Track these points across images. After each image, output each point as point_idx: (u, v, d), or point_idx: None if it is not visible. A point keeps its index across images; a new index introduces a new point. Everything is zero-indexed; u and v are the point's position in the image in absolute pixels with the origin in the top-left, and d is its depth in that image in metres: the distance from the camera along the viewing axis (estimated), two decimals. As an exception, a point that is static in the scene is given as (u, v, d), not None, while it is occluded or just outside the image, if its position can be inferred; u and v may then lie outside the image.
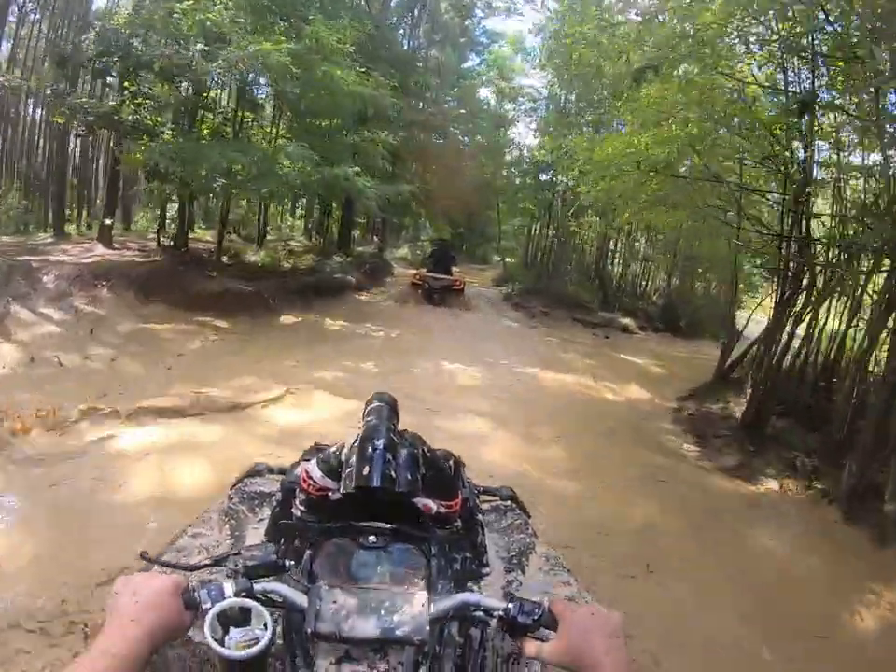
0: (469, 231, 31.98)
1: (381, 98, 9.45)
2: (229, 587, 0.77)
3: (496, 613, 0.82)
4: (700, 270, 14.92)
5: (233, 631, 0.74)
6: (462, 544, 1.07)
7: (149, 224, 13.73)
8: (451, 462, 1.11)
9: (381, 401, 1.14)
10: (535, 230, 21.43)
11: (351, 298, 11.77)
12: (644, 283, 15.96)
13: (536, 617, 0.79)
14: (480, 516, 1.23)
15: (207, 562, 0.88)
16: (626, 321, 12.71)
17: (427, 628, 0.79)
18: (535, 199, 18.22)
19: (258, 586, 0.80)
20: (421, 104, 14.62)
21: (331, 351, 7.52)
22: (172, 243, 10.92)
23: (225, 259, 11.00)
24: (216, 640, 0.72)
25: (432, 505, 1.00)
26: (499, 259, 34.04)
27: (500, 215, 19.54)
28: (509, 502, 1.46)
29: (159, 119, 9.45)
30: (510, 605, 0.81)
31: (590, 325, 12.10)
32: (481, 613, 0.84)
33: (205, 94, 9.62)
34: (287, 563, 0.86)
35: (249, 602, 0.76)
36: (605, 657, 0.72)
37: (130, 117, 8.71)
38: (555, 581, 1.15)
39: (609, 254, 16.12)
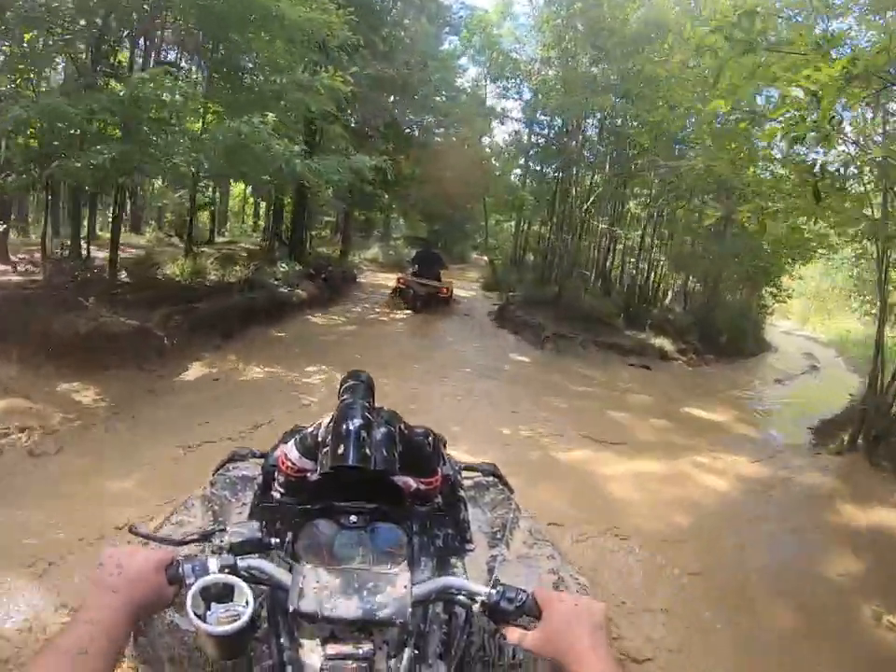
0: (446, 227, 29.01)
1: (329, 27, 6.26)
2: (213, 563, 0.77)
3: (478, 598, 0.80)
4: (737, 267, 12.14)
5: (215, 606, 0.73)
6: (444, 521, 1.04)
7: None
8: (429, 439, 1.03)
9: (356, 379, 1.07)
10: (524, 226, 18.61)
11: (299, 320, 8.64)
12: (663, 287, 13.16)
13: (519, 604, 0.77)
14: (462, 493, 1.18)
15: (194, 537, 0.88)
16: (661, 343, 9.84)
17: (409, 610, 0.78)
18: (529, 190, 15.32)
19: (242, 563, 0.79)
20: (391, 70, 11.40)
21: (241, 428, 4.45)
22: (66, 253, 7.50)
23: (124, 274, 7.63)
24: (197, 616, 0.72)
25: (412, 482, 0.98)
26: (484, 258, 31.79)
27: (486, 208, 16.48)
28: (491, 478, 1.41)
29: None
30: (492, 591, 0.79)
31: (618, 350, 9.18)
32: (463, 597, 0.82)
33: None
34: (273, 541, 0.85)
35: (232, 578, 0.75)
36: (588, 649, 0.70)
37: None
38: (539, 555, 1.13)
39: (616, 253, 13.27)
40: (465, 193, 26.32)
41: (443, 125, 14.16)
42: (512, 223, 22.47)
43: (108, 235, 8.51)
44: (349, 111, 8.92)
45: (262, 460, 1.25)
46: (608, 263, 12.84)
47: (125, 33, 7.49)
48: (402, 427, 0.99)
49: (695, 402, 7.42)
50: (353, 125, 9.86)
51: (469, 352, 8.31)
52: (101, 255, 7.83)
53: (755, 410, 8.03)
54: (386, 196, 10.96)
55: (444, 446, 1.21)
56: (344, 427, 0.90)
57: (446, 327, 9.89)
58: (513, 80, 13.07)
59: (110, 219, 9.65)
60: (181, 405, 5.07)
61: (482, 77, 17.85)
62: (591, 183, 9.73)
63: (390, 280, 15.59)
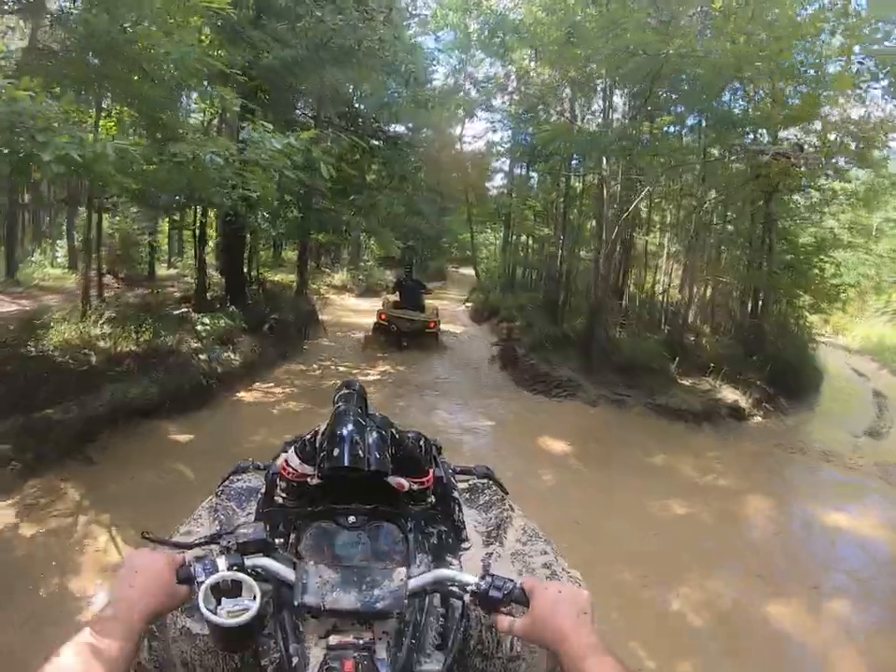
0: (421, 243, 26.44)
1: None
2: (221, 562, 0.80)
3: (469, 588, 0.84)
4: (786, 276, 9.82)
5: (225, 601, 0.77)
6: (438, 519, 1.07)
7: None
8: (421, 442, 1.14)
9: (349, 388, 1.14)
10: (515, 238, 16.18)
11: (223, 403, 5.90)
12: (697, 308, 10.73)
13: (507, 592, 0.81)
14: (455, 493, 1.20)
15: (203, 540, 0.91)
16: (731, 395, 7.33)
17: (406, 601, 0.83)
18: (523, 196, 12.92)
19: (248, 561, 0.83)
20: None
21: None
22: None
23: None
24: (209, 610, 0.75)
25: (405, 483, 1.00)
26: (461, 270, 29.28)
27: (471, 221, 13.99)
28: (486, 480, 1.41)
29: None
30: (482, 581, 0.83)
31: (677, 414, 6.64)
32: (455, 588, 0.87)
33: None
34: (277, 541, 0.92)
35: (240, 575, 0.79)
36: (571, 633, 0.74)
37: None
38: (533, 551, 1.15)
39: (640, 269, 10.83)
40: (444, 201, 23.72)
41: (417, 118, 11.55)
42: (492, 236, 20.09)
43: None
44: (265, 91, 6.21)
45: (265, 472, 1.28)
46: (627, 281, 10.36)
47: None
48: (394, 431, 1.03)
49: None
50: (293, 111, 7.20)
51: (485, 440, 5.71)
52: None
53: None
54: (348, 213, 8.29)
55: (439, 451, 1.29)
56: (339, 431, 0.96)
57: (442, 385, 7.26)
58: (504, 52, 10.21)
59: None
60: None
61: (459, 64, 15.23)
62: (626, 184, 7.21)
63: (362, 312, 13.00)
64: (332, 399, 1.12)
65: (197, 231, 8.39)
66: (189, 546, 0.92)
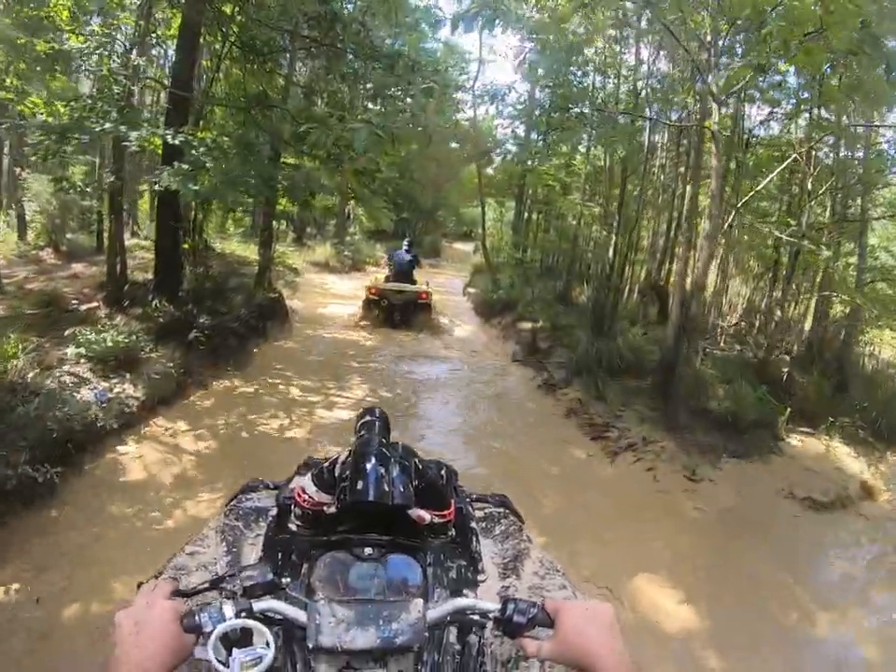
0: (416, 216, 23.76)
1: None
2: (228, 608, 0.75)
3: (491, 615, 0.82)
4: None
5: (236, 652, 0.72)
6: (457, 552, 1.04)
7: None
8: (443, 472, 1.09)
9: (372, 416, 1.14)
10: (531, 215, 13.70)
11: (99, 463, 3.51)
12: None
13: (531, 616, 0.78)
14: (473, 524, 1.18)
15: (204, 586, 0.84)
16: (856, 465, 5.11)
17: (426, 634, 0.80)
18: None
19: (257, 605, 0.78)
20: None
21: None
22: None
23: None
24: (220, 662, 0.71)
25: (426, 515, 0.96)
26: (455, 245, 26.69)
27: (482, 192, 11.53)
28: (502, 509, 1.36)
29: None
30: (504, 606, 0.80)
31: (811, 503, 4.41)
32: (476, 616, 0.85)
33: None
34: (284, 581, 0.88)
35: (250, 622, 0.75)
36: (602, 649, 0.73)
37: None
38: (551, 585, 1.09)
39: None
40: (447, 167, 20.86)
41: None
42: (493, 211, 17.34)
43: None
44: None
45: (275, 492, 1.25)
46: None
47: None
48: (417, 461, 1.00)
49: None
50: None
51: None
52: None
53: None
54: (315, 166, 5.72)
55: (455, 477, 1.22)
56: (363, 462, 0.93)
57: (451, 437, 4.90)
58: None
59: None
60: None
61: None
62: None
63: (345, 298, 10.54)
64: (354, 427, 1.13)
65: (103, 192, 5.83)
66: (189, 594, 0.83)
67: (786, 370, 6.52)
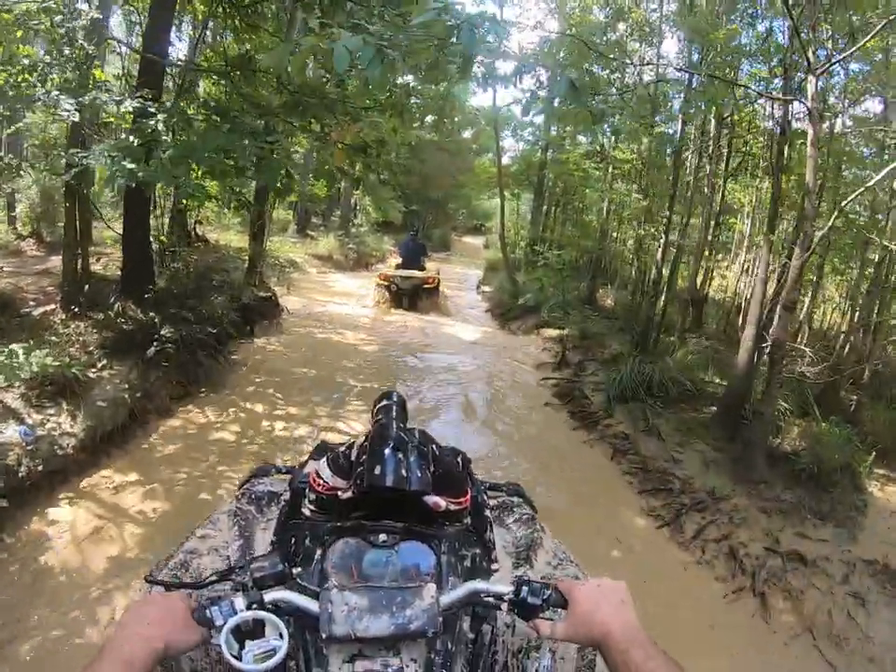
0: (426, 207, 22.76)
1: None
2: (239, 601, 0.74)
3: (505, 597, 0.80)
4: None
5: (249, 644, 0.71)
6: (471, 541, 1.02)
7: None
8: (459, 459, 1.08)
9: (389, 400, 1.10)
10: (550, 208, 12.70)
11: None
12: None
13: (545, 597, 0.77)
14: (488, 512, 1.15)
15: (214, 578, 0.82)
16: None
17: (440, 619, 0.78)
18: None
19: (268, 596, 0.76)
20: None
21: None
22: None
23: None
24: (233, 655, 0.70)
25: (441, 502, 0.94)
26: (465, 239, 25.70)
27: (500, 184, 10.53)
28: (515, 498, 1.34)
29: None
30: (518, 588, 0.79)
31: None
32: (490, 599, 0.82)
33: None
34: (295, 570, 0.83)
35: (262, 613, 0.73)
36: (614, 623, 0.72)
37: None
38: (564, 574, 1.11)
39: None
40: (460, 158, 19.81)
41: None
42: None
43: None
44: None
45: (287, 476, 1.22)
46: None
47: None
48: (434, 447, 0.98)
49: None
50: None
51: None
52: None
53: None
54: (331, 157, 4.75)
55: (469, 464, 1.19)
56: (381, 447, 0.91)
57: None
58: None
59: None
60: None
61: None
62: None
63: (347, 296, 9.65)
64: (371, 411, 1.09)
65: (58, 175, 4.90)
66: (198, 586, 0.81)
67: (854, 397, 5.53)
